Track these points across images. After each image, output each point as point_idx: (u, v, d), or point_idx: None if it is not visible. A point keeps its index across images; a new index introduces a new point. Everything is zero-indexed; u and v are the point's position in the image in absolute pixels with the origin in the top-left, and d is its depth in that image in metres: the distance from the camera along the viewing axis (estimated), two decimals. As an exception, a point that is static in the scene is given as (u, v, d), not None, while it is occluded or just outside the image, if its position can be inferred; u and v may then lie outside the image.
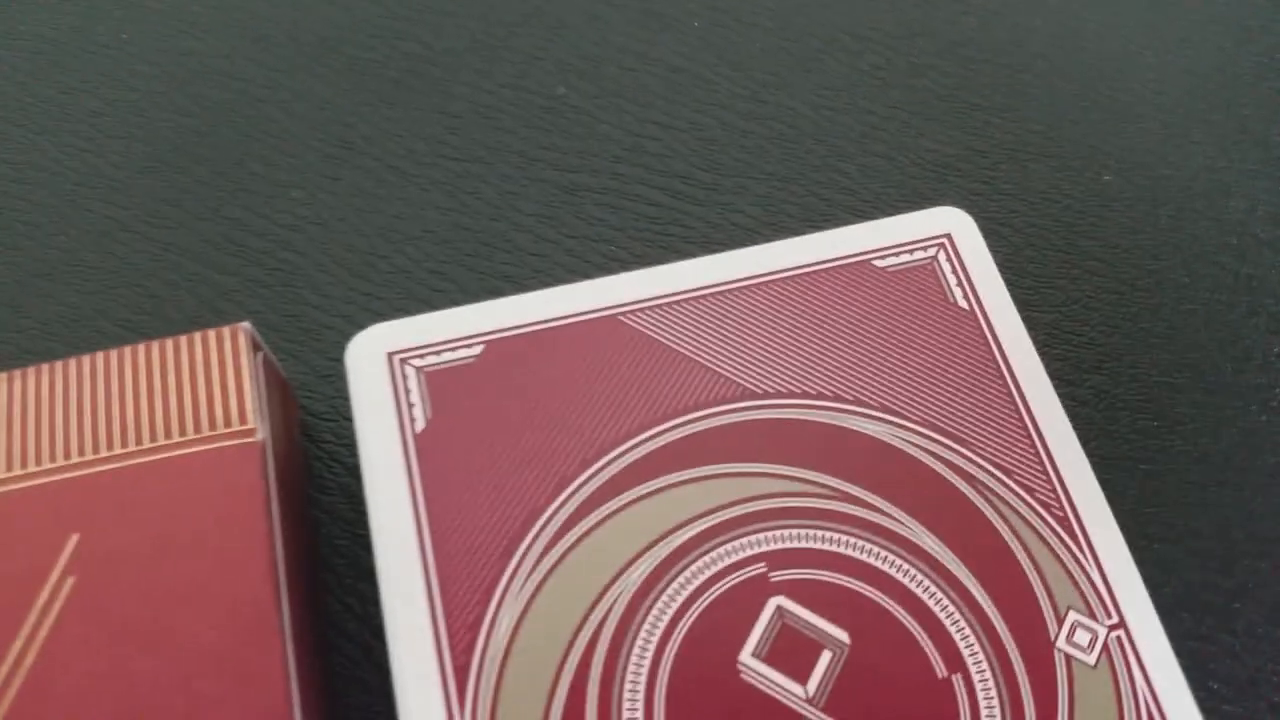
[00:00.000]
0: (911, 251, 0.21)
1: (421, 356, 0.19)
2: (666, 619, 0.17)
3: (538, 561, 0.18)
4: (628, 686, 0.17)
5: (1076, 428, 0.23)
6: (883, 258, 0.21)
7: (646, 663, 0.17)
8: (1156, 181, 0.27)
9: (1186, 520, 0.22)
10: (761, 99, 0.27)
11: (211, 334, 0.19)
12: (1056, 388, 0.23)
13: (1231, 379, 0.24)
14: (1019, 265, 0.25)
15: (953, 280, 0.21)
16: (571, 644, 0.17)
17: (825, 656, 0.17)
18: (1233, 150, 0.27)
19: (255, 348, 0.20)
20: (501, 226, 0.24)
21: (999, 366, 0.20)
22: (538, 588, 0.17)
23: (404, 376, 0.19)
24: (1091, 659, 0.17)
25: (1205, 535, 0.22)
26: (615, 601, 0.17)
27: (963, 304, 0.20)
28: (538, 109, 0.26)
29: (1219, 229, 0.26)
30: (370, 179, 0.25)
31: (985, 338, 0.20)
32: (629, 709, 0.17)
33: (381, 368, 0.19)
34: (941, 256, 0.21)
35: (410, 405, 0.19)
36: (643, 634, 0.17)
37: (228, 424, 0.18)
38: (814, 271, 0.21)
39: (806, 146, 0.26)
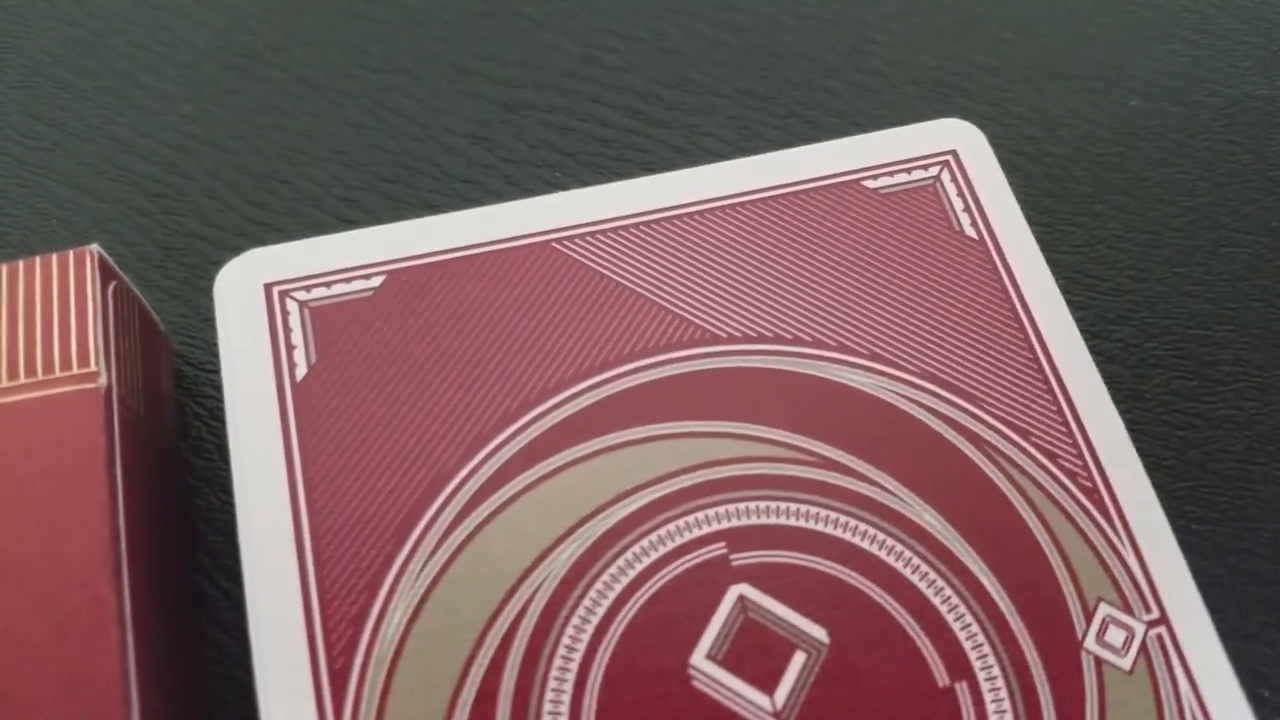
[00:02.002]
0: (910, 170, 0.17)
1: (307, 289, 0.16)
2: (600, 612, 0.14)
3: (441, 540, 0.14)
4: (549, 697, 0.14)
5: (1099, 388, 0.20)
6: (875, 177, 0.17)
7: (574, 667, 0.14)
8: (1189, 109, 0.23)
9: (1230, 497, 0.19)
10: (736, 5, 0.23)
11: (54, 258, 0.16)
12: (1075, 342, 0.20)
13: (1278, 331, 0.21)
14: (1035, 200, 0.21)
15: (959, 204, 0.17)
16: (480, 644, 0.14)
17: (798, 660, 0.14)
18: (1276, 75, 0.24)
19: (108, 276, 0.16)
20: (427, 148, 0.21)
21: (1014, 306, 0.16)
22: (439, 573, 0.14)
23: (284, 312, 0.15)
24: (1126, 662, 0.14)
25: (1252, 515, 0.19)
26: (537, 591, 0.14)
27: (970, 232, 0.17)
28: (473, 14, 0.23)
29: (1261, 163, 0.23)
30: (275, 92, 0.21)
31: (997, 271, 0.17)
32: (550, 725, 0.13)
33: (256, 301, 0.15)
34: (945, 176, 0.17)
35: (290, 347, 0.15)
36: (570, 631, 0.14)
37: (65, 366, 0.15)
38: (792, 193, 0.17)
39: (788, 61, 0.23)
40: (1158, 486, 0.19)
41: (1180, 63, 0.24)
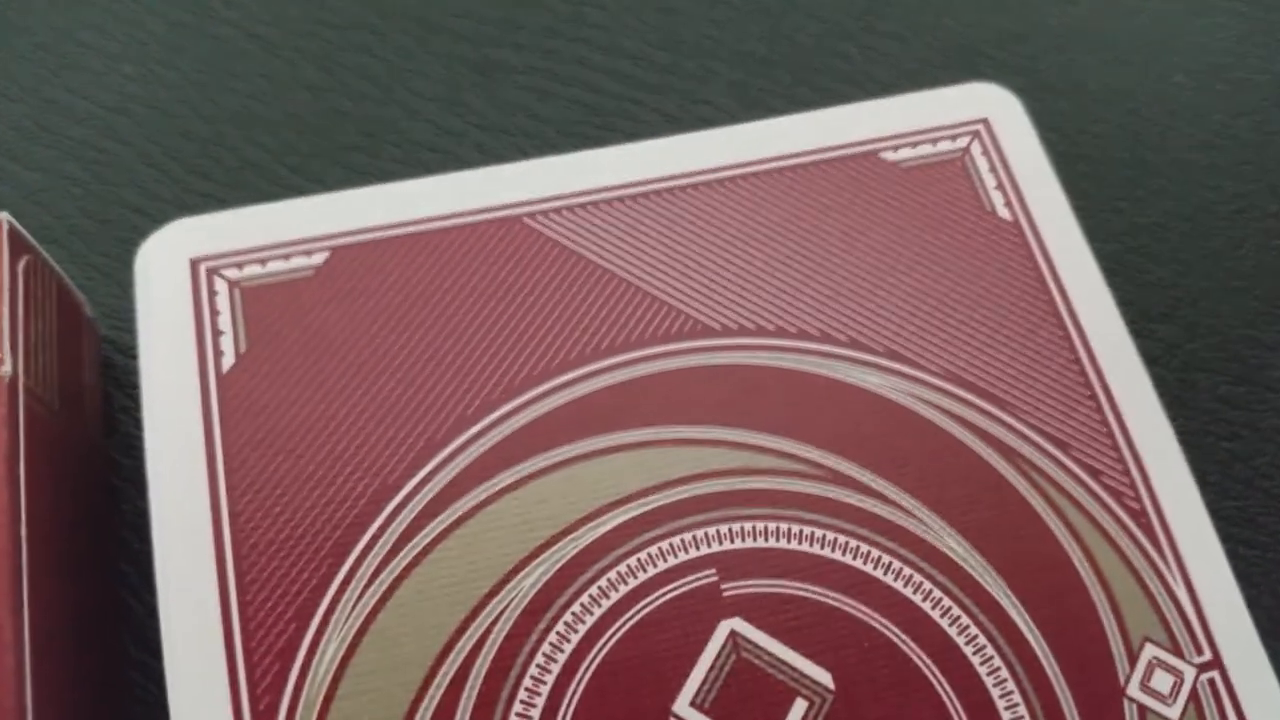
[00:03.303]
0: (935, 141, 0.15)
1: (238, 266, 0.14)
2: (569, 649, 0.12)
3: (383, 563, 0.12)
4: (506, 748, 0.12)
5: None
6: (895, 148, 0.15)
7: (536, 714, 0.12)
8: (1236, 87, 0.21)
9: (1280, 515, 0.17)
10: (742, -31, 0.21)
11: (-47, 229, 0.14)
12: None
13: (1334, 333, 0.19)
14: (1070, 182, 0.19)
15: (990, 181, 0.15)
16: (426, 685, 0.12)
17: (798, 709, 0.12)
18: (1331, 51, 0.22)
19: (20, 249, 0.14)
20: (391, 112, 0.19)
21: (1052, 299, 0.14)
22: (380, 601, 0.12)
23: (211, 293, 0.13)
24: (1174, 712, 0.12)
25: (1304, 535, 0.17)
26: (495, 623, 0.12)
27: (1003, 213, 0.15)
28: (454, -29, 0.21)
29: (1316, 145, 0.21)
30: (223, 50, 0.19)
31: (1033, 258, 0.15)
32: (506, 781, 0.12)
33: (181, 280, 0.13)
34: (976, 148, 0.15)
35: (216, 334, 0.13)
36: (533, 671, 0.12)
37: (-42, 354, 0.13)
38: (799, 165, 0.15)
39: (795, 21, 0.21)
40: (1204, 506, 0.18)
41: (1227, 36, 0.22)
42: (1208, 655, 0.13)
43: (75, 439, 0.15)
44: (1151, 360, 0.19)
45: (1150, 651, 0.13)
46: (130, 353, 0.17)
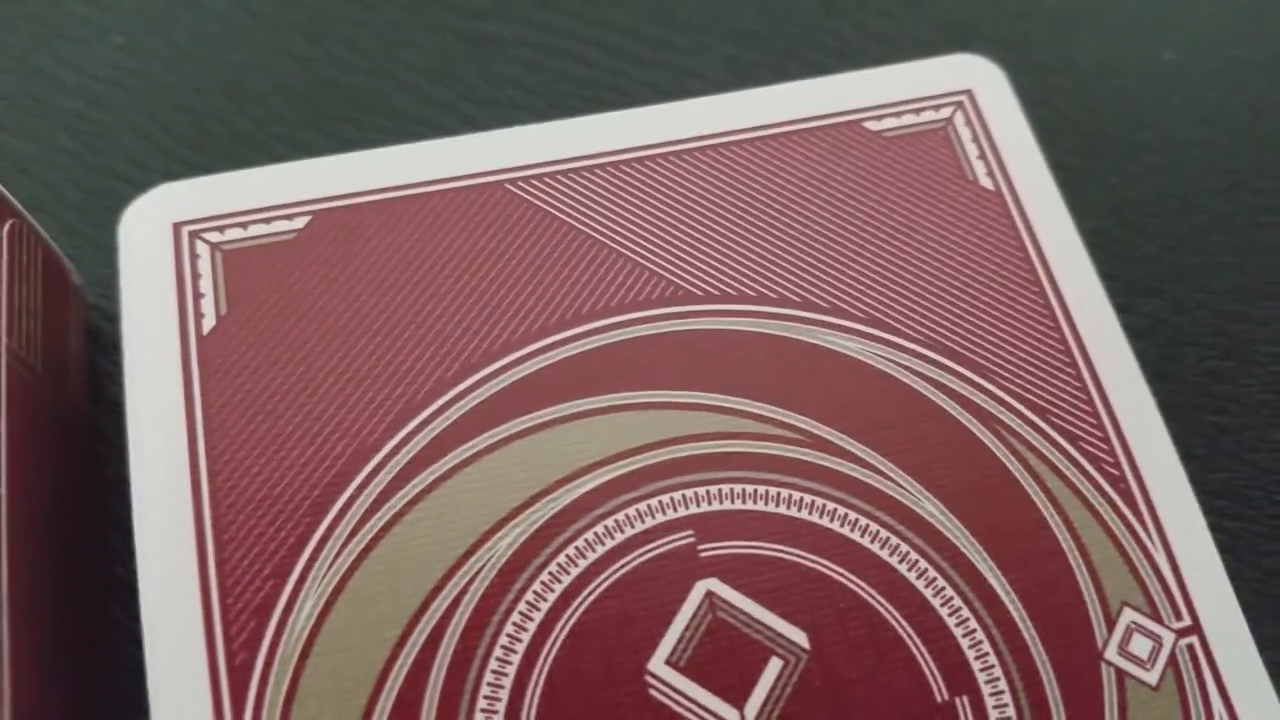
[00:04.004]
0: (918, 111, 0.15)
1: (220, 229, 0.14)
2: (545, 608, 0.12)
3: (361, 522, 0.12)
4: (482, 705, 0.12)
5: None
6: (879, 118, 0.15)
7: (512, 671, 0.12)
8: (1231, 64, 0.21)
9: (1267, 491, 0.17)
10: (734, -54, 0.21)
11: (-64, 193, 0.14)
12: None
13: (1324, 310, 0.19)
14: (1059, 157, 0.19)
15: (973, 150, 0.15)
16: (402, 642, 0.12)
17: (773, 668, 0.12)
18: (1326, 29, 0.22)
19: (4, 214, 0.14)
20: (380, 84, 0.19)
21: (1033, 267, 0.14)
22: (357, 560, 0.12)
23: (193, 255, 0.13)
24: (1152, 676, 0.12)
25: (1291, 509, 0.17)
26: (471, 582, 0.12)
27: (985, 182, 0.15)
28: (445, -53, 0.21)
29: (1309, 124, 0.21)
30: (214, 21, 0.19)
31: (1015, 227, 0.15)
32: (481, 738, 0.12)
33: (163, 242, 0.13)
34: (959, 118, 0.15)
35: (197, 295, 0.13)
36: (509, 629, 0.12)
37: (-59, 316, 0.13)
38: (783, 134, 0.15)
39: None
40: (1189, 479, 0.18)
41: (1222, 14, 0.22)
42: (1187, 621, 0.13)
43: (60, 404, 0.15)
44: (1138, 334, 0.19)
45: (1129, 616, 0.13)
46: (117, 320, 0.17)
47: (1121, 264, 0.19)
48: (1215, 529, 0.17)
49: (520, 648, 0.12)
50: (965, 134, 0.15)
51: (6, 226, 0.14)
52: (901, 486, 0.13)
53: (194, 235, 0.13)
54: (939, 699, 0.12)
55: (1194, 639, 0.13)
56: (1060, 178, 0.20)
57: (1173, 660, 0.12)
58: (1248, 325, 0.19)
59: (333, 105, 0.19)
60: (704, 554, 0.12)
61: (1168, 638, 0.12)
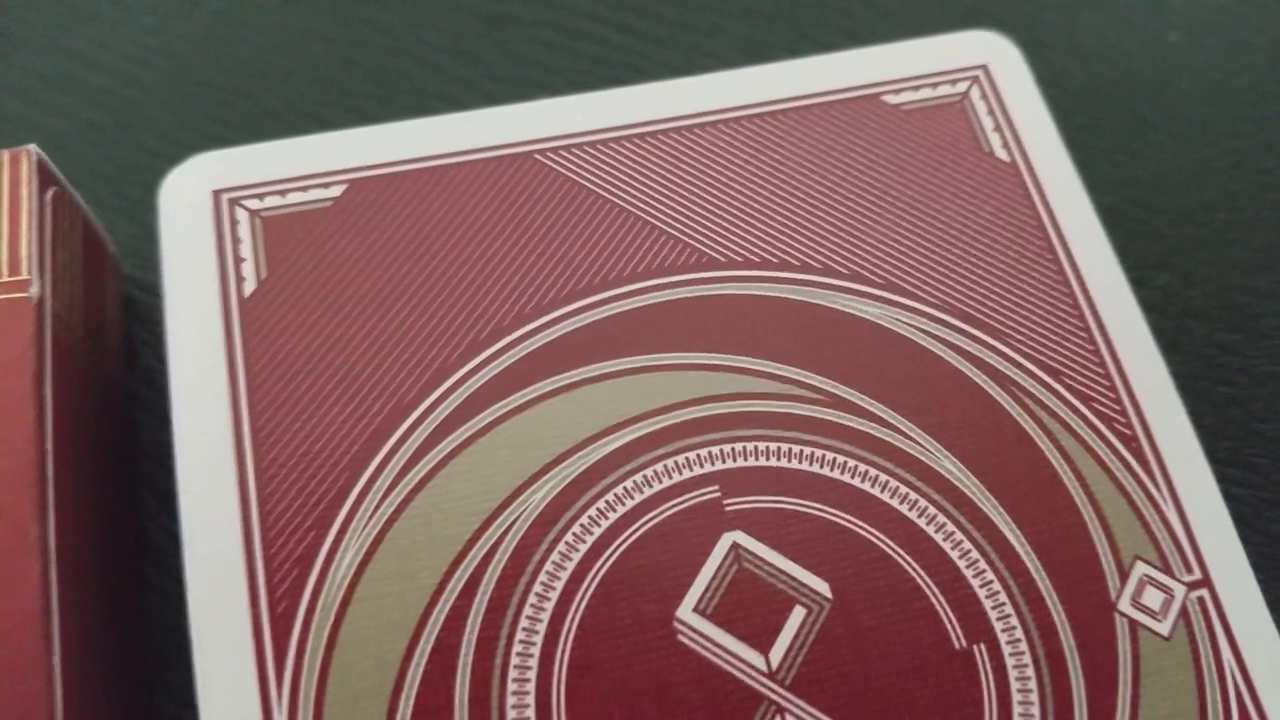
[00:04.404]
0: (935, 85, 0.16)
1: (260, 197, 0.14)
2: (577, 558, 0.13)
3: (399, 476, 0.13)
4: (517, 649, 0.12)
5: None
6: (897, 92, 0.16)
7: (545, 618, 0.12)
8: (1233, 46, 0.22)
9: (1274, 460, 0.17)
10: (748, -69, 0.22)
11: (-16, 159, 0.14)
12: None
13: (1328, 285, 0.19)
14: (1069, 135, 0.20)
15: (989, 123, 0.15)
16: (440, 590, 0.12)
17: (796, 615, 0.12)
18: (1330, 13, 0.22)
19: (47, 181, 0.15)
20: (402, 63, 0.19)
21: (1047, 235, 0.15)
22: (397, 511, 0.13)
23: (233, 222, 0.14)
24: (1165, 627, 0.13)
25: (1296, 477, 0.17)
26: (506, 533, 0.13)
27: (1001, 154, 0.15)
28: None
29: (1312, 105, 0.21)
30: (240, 3, 0.20)
31: (1029, 197, 0.15)
32: (517, 682, 0.12)
33: (204, 210, 0.14)
34: (975, 93, 0.16)
35: (238, 260, 0.14)
36: (542, 578, 0.12)
37: (-9, 274, 0.14)
38: (804, 107, 0.15)
39: (802, -16, 0.21)
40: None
41: (1226, -3, 0.22)
42: (1197, 574, 0.13)
43: (98, 367, 0.15)
44: (1148, 307, 0.19)
45: (1141, 569, 0.13)
46: (152, 290, 0.18)
47: (1130, 239, 0.20)
48: (1225, 496, 0.17)
49: (554, 595, 0.12)
50: (981, 107, 0.15)
51: (50, 194, 0.15)
52: (920, 444, 0.13)
53: (233, 202, 0.14)
54: (957, 647, 0.12)
55: (1204, 592, 0.13)
56: (1070, 155, 0.20)
57: (1184, 612, 0.13)
58: (1254, 299, 0.19)
59: (356, 83, 0.19)
60: (729, 508, 0.13)
61: (1179, 590, 0.13)
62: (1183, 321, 0.19)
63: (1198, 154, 0.21)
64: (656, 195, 0.15)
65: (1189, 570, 0.13)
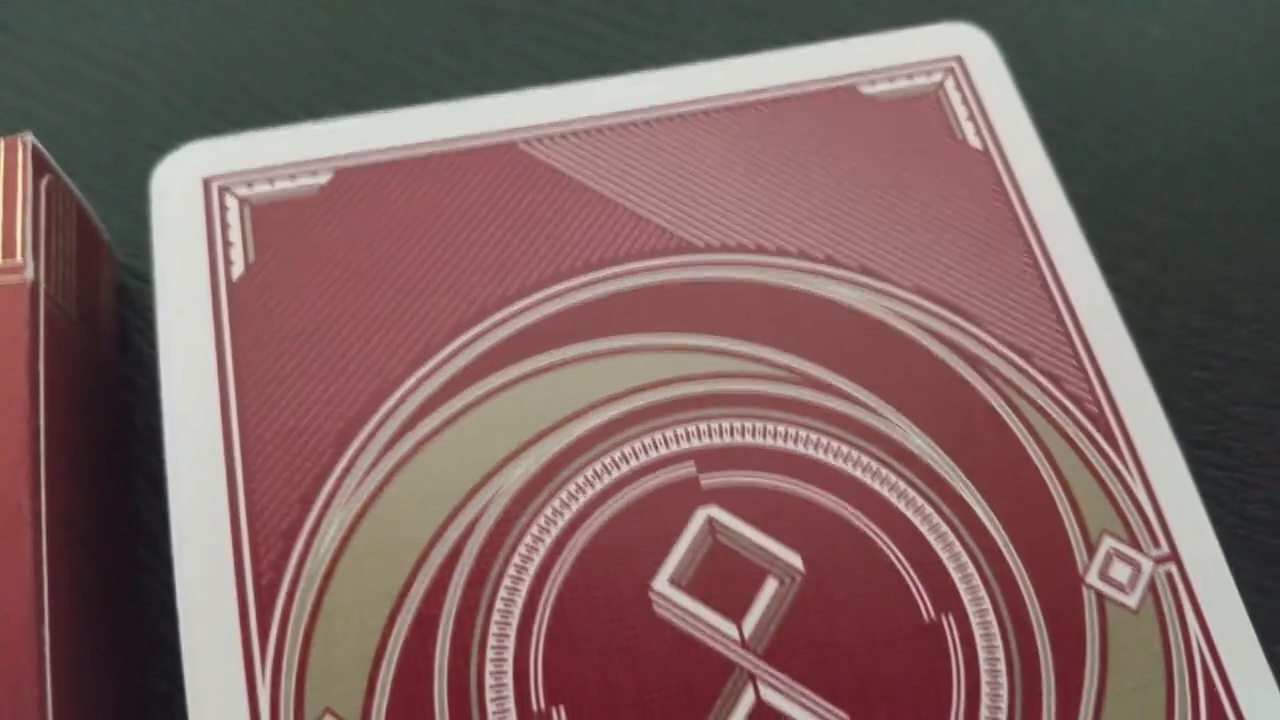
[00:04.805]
0: (911, 76, 0.16)
1: (248, 184, 0.14)
2: (555, 532, 0.13)
3: (382, 453, 0.13)
4: (496, 619, 0.12)
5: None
6: (873, 83, 0.16)
7: (524, 589, 0.13)
8: (1214, 41, 0.22)
9: (1248, 443, 0.18)
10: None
11: (-17, 147, 0.15)
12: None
13: (1305, 274, 0.19)
14: (1049, 126, 0.20)
15: (962, 113, 0.16)
16: (421, 563, 0.13)
17: (770, 587, 0.13)
18: (1310, 8, 0.22)
19: (42, 169, 0.15)
20: (396, 58, 0.20)
21: (1018, 220, 0.15)
22: (379, 487, 0.13)
23: (222, 209, 0.14)
24: (1132, 600, 0.13)
25: (1272, 462, 0.18)
26: (486, 507, 0.13)
27: (974, 141, 0.16)
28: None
29: (1292, 99, 0.21)
30: (239, -1, 0.20)
31: (1001, 184, 0.15)
32: (496, 651, 0.12)
33: (194, 197, 0.14)
34: (950, 84, 0.16)
35: (227, 245, 0.14)
36: (521, 551, 0.13)
37: (-14, 259, 0.14)
38: (783, 98, 0.16)
39: (787, -20, 0.21)
40: (1172, 430, 0.18)
41: (1207, -8, 0.23)
42: (1165, 549, 0.13)
43: (91, 351, 0.16)
44: (1123, 293, 0.19)
45: (1108, 544, 0.13)
46: (145, 278, 0.18)
47: (1108, 228, 0.20)
48: (1199, 478, 0.17)
49: (532, 567, 0.12)
50: (955, 97, 0.16)
51: (45, 181, 0.15)
52: (891, 422, 0.14)
53: (223, 190, 0.14)
54: (926, 618, 0.12)
55: (1172, 566, 0.13)
56: (1050, 146, 0.21)
57: (1152, 586, 0.13)
58: (1230, 286, 0.19)
59: (350, 77, 0.19)
60: (705, 484, 0.13)
61: (1146, 564, 0.13)
62: (1158, 307, 0.19)
63: (1177, 147, 0.21)
64: (635, 182, 0.15)
65: (1156, 545, 0.13)
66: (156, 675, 0.16)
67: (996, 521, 0.13)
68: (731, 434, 0.13)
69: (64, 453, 0.14)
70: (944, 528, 0.13)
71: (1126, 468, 0.13)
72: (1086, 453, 0.13)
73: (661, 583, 0.12)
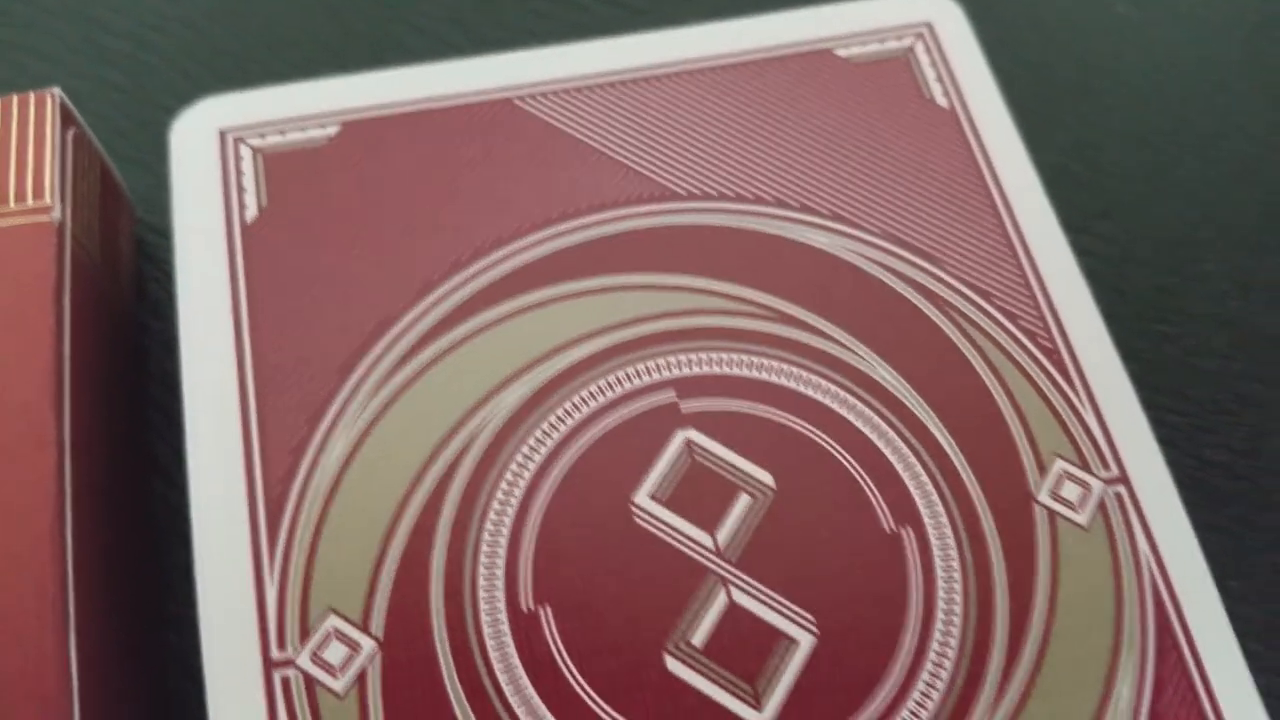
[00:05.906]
0: (883, 40, 0.17)
1: (261, 135, 0.15)
2: (545, 451, 0.14)
3: (387, 377, 0.14)
4: (488, 530, 0.13)
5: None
6: (847, 46, 0.17)
7: (514, 502, 0.14)
8: (1179, 19, 0.23)
9: (1208, 390, 0.19)
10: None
11: (14, 99, 0.16)
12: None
13: (1262, 235, 0.20)
14: (1021, 102, 0.21)
15: (931, 75, 0.17)
16: (420, 476, 0.13)
17: (742, 502, 0.14)
18: (1274, -11, 0.23)
19: (68, 121, 0.16)
20: (399, 31, 0.21)
21: (980, 172, 0.16)
22: (383, 408, 0.14)
23: (237, 158, 0.15)
24: (1083, 518, 0.14)
25: (1229, 409, 0.18)
26: (481, 428, 0.14)
27: (941, 101, 0.17)
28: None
29: (1255, 73, 0.22)
30: (251, -25, 0.21)
31: (965, 139, 0.16)
32: (488, 555, 0.13)
33: (210, 147, 0.15)
34: (919, 48, 0.17)
35: (241, 190, 0.15)
36: (513, 467, 0.14)
37: (20, 198, 0.15)
38: (763, 59, 0.17)
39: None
40: (1133, 378, 0.19)
41: (1175, -27, 0.24)
42: (1115, 472, 0.14)
43: (111, 292, 0.17)
44: (1089, 253, 0.20)
45: (1060, 466, 0.14)
46: (162, 233, 0.19)
47: (1077, 193, 0.21)
48: (1158, 423, 0.18)
49: (523, 483, 0.13)
50: (924, 60, 0.17)
51: (71, 133, 0.16)
52: (860, 356, 0.15)
53: (238, 140, 0.15)
54: (887, 530, 0.13)
55: (1122, 488, 0.14)
56: (1021, 118, 0.22)
57: (1102, 506, 0.14)
58: (1194, 247, 0.20)
59: (357, 50, 0.20)
60: (684, 410, 0.14)
61: (1096, 485, 0.14)
62: (1123, 266, 0.20)
63: (1145, 119, 0.22)
64: (623, 136, 0.16)
65: (1106, 468, 0.14)
66: (171, 600, 0.17)
67: (954, 444, 0.14)
68: (710, 365, 0.14)
69: (86, 382, 0.15)
70: (905, 450, 0.14)
71: (1078, 396, 0.14)
72: (1040, 383, 0.14)
73: (642, 497, 0.13)
